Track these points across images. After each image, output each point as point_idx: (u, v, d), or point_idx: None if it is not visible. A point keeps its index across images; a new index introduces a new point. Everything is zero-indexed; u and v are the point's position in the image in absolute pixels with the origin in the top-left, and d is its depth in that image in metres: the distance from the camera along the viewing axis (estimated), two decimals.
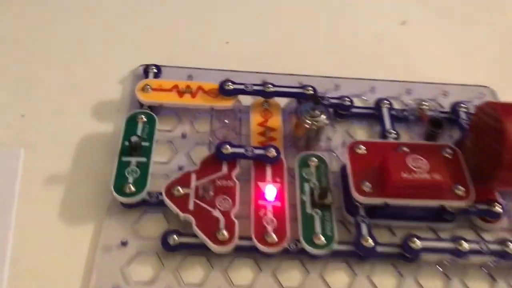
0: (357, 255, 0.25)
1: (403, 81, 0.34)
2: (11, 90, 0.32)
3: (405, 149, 0.27)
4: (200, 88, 0.31)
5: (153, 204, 0.26)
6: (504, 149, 0.25)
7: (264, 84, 0.31)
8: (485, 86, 0.35)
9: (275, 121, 0.30)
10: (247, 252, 0.25)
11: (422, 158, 0.26)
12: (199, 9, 0.38)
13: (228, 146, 0.27)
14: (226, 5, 0.39)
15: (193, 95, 0.30)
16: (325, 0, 0.40)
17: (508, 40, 0.39)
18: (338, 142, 0.30)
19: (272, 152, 0.27)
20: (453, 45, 0.38)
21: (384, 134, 0.30)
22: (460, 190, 0.26)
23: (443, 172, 0.25)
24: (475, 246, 0.25)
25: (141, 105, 0.30)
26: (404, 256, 0.25)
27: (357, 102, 0.33)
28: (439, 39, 0.38)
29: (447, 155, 0.27)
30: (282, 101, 0.32)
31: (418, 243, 0.25)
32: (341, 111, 0.31)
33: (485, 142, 0.27)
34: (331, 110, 0.31)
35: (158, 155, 0.28)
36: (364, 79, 0.34)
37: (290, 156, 0.29)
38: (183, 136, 0.30)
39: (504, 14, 0.41)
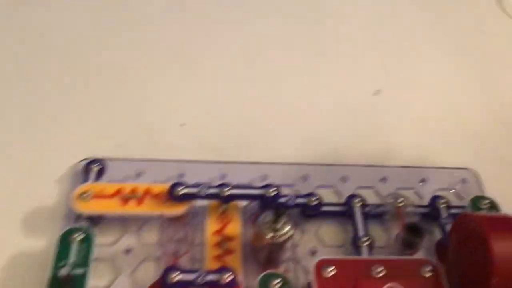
0: None
1: (378, 166, 0.31)
2: None
3: (379, 270, 0.24)
4: (147, 192, 0.27)
5: None
6: (491, 268, 0.22)
7: (221, 185, 0.27)
8: (466, 168, 0.32)
9: (234, 228, 0.27)
10: None
11: (393, 280, 0.23)
12: (150, 91, 0.34)
13: (176, 273, 0.23)
14: (178, 87, 0.35)
15: (140, 201, 0.27)
16: (290, 79, 0.36)
17: (493, 116, 0.36)
18: (305, 250, 0.27)
19: (227, 277, 0.24)
20: (432, 121, 0.35)
21: (356, 240, 0.27)
22: None
23: None
24: None
25: (79, 216, 0.26)
26: None
27: (327, 195, 0.29)
28: (414, 114, 0.35)
29: (426, 274, 0.24)
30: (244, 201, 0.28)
31: None
32: (309, 211, 0.28)
33: (467, 255, 0.24)
34: (297, 210, 0.28)
35: (98, 277, 0.25)
36: (334, 165, 0.31)
37: (251, 271, 0.25)
38: (128, 251, 0.26)
39: (494, 84, 0.38)
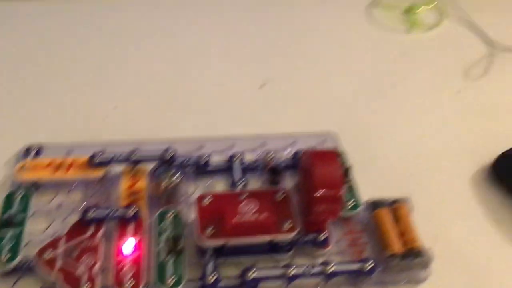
0: None
1: (259, 135, 0.40)
2: None
3: (243, 197, 0.32)
4: (73, 162, 0.35)
5: (27, 269, 0.30)
6: (314, 188, 0.31)
7: (131, 152, 0.36)
8: (328, 132, 0.41)
9: (141, 184, 0.35)
10: None
11: (254, 202, 0.31)
12: (75, 87, 0.44)
13: (91, 211, 0.32)
14: (108, 76, 0.45)
15: (67, 169, 0.35)
16: (189, 65, 0.47)
17: (345, 90, 0.46)
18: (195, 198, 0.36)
19: (132, 211, 0.32)
20: (304, 100, 0.45)
21: (234, 184, 0.36)
22: (288, 225, 0.31)
23: (270, 212, 0.31)
24: (299, 271, 0.30)
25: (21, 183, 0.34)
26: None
27: (218, 159, 0.38)
28: (291, 96, 0.45)
29: (279, 198, 0.33)
30: (150, 165, 0.37)
31: (252, 274, 0.30)
32: (200, 168, 0.37)
33: (306, 183, 0.33)
34: (192, 169, 0.37)
35: (37, 225, 0.33)
36: (224, 137, 0.40)
37: (154, 213, 0.34)
38: (59, 206, 0.34)
39: (343, 68, 0.48)
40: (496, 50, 0.51)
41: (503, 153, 0.39)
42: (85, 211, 0.32)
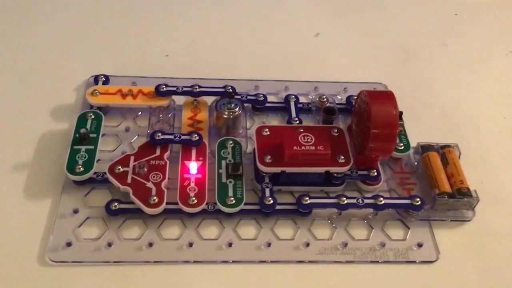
0: (263, 213, 0.32)
1: (312, 81, 0.42)
2: None
3: (301, 130, 0.34)
4: (140, 91, 0.38)
5: (99, 181, 0.33)
6: (371, 125, 0.32)
7: (192, 86, 0.38)
8: (379, 83, 0.42)
9: (202, 115, 0.37)
10: (174, 213, 0.32)
11: (311, 135, 0.33)
12: (142, 27, 0.46)
13: (159, 134, 0.34)
14: (164, 23, 0.47)
15: (134, 97, 0.37)
16: (248, 15, 0.48)
17: (398, 46, 0.47)
18: (254, 130, 0.37)
19: (195, 137, 0.34)
20: (356, 52, 0.46)
21: (289, 121, 0.38)
22: (342, 159, 0.33)
23: (327, 145, 0.33)
24: (352, 201, 0.32)
25: (91, 107, 0.37)
26: (299, 212, 0.32)
27: (272, 99, 0.40)
28: (345, 47, 0.46)
29: (333, 134, 0.34)
30: (210, 100, 0.39)
31: (308, 200, 0.32)
32: (257, 105, 0.39)
33: (361, 123, 0.34)
34: (249, 105, 0.39)
35: (106, 145, 0.35)
36: (279, 80, 0.42)
37: (214, 142, 0.36)
38: (127, 129, 0.37)
39: (394, 25, 0.49)
40: None
41: None
42: (153, 134, 0.34)
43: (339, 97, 0.41)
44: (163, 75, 0.41)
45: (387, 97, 0.33)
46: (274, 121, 0.39)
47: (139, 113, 0.38)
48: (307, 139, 0.33)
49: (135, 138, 0.36)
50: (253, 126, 0.38)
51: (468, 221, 0.33)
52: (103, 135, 0.35)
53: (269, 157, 0.33)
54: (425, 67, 0.45)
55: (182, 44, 0.45)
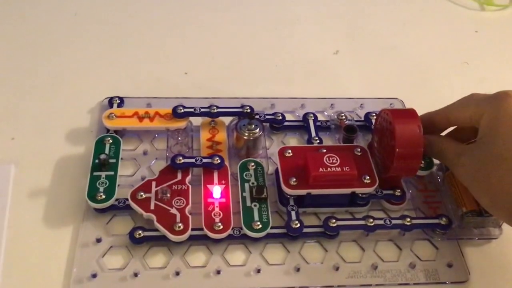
0: (289, 236, 0.32)
1: (328, 98, 0.42)
2: (2, 117, 0.38)
3: (323, 150, 0.34)
4: (157, 113, 0.37)
5: (121, 208, 0.32)
6: (396, 144, 0.32)
7: (210, 106, 0.37)
8: (395, 98, 0.42)
9: (221, 136, 0.37)
10: (200, 240, 0.31)
11: (336, 156, 0.33)
12: (158, 46, 0.45)
13: (181, 157, 0.33)
14: (182, 42, 0.46)
15: (151, 119, 0.36)
16: (265, 32, 0.48)
17: (416, 63, 0.46)
18: (274, 150, 0.36)
19: (217, 160, 0.34)
20: (373, 69, 0.45)
21: (310, 141, 0.37)
22: (368, 179, 0.33)
23: (352, 166, 0.32)
24: (380, 222, 0.32)
25: (108, 130, 0.36)
26: (326, 234, 0.32)
27: (289, 117, 0.39)
28: (362, 64, 0.46)
29: (357, 153, 0.34)
30: (227, 120, 0.38)
31: (335, 222, 0.31)
32: (275, 124, 0.38)
33: (383, 141, 0.34)
34: (267, 124, 0.38)
35: (124, 170, 0.35)
36: (295, 98, 0.41)
37: (234, 164, 0.35)
38: (145, 153, 0.36)
39: (413, 42, 0.49)
40: None
41: None
42: (174, 157, 0.33)
43: (357, 114, 0.40)
44: (177, 95, 0.40)
45: (410, 115, 0.33)
46: (293, 139, 0.39)
47: (156, 135, 0.37)
48: (332, 160, 0.32)
49: (153, 161, 0.35)
50: (272, 145, 0.38)
51: (495, 238, 0.33)
52: (121, 159, 0.35)
53: (294, 179, 0.32)
54: (445, 85, 0.44)
55: (199, 63, 0.44)
